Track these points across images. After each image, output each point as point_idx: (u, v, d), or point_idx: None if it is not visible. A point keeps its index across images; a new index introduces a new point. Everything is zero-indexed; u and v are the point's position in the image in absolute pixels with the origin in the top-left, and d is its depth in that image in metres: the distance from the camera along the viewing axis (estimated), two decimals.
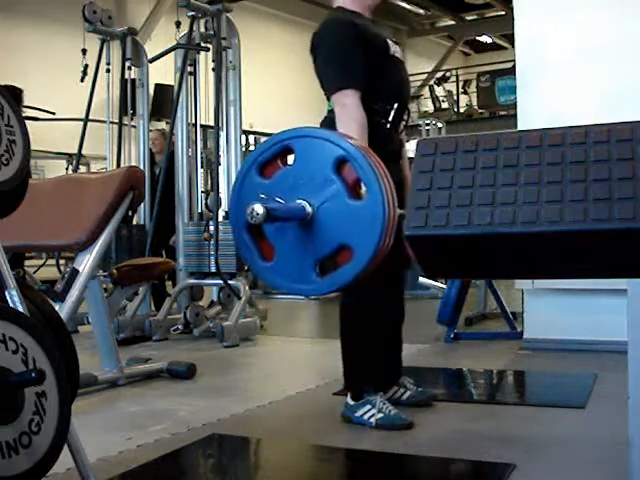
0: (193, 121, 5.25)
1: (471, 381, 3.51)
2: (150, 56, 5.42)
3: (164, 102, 9.92)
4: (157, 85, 10.09)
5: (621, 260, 1.30)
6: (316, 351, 4.44)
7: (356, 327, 2.62)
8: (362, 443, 2.41)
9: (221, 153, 5.13)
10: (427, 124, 10.03)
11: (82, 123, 5.51)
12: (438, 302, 4.82)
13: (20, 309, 1.54)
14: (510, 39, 14.85)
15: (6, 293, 1.56)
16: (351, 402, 2.60)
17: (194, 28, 4.96)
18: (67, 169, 7.50)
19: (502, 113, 14.55)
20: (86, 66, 5.54)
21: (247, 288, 4.82)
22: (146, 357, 3.86)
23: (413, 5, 16.45)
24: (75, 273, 2.83)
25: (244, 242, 1.80)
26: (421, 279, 6.72)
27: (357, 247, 1.67)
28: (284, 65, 13.35)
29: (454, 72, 16.47)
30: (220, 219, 4.82)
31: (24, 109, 5.54)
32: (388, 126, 2.59)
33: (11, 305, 1.54)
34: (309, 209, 1.71)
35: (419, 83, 17.22)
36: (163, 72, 6.23)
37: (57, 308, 2.03)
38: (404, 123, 2.69)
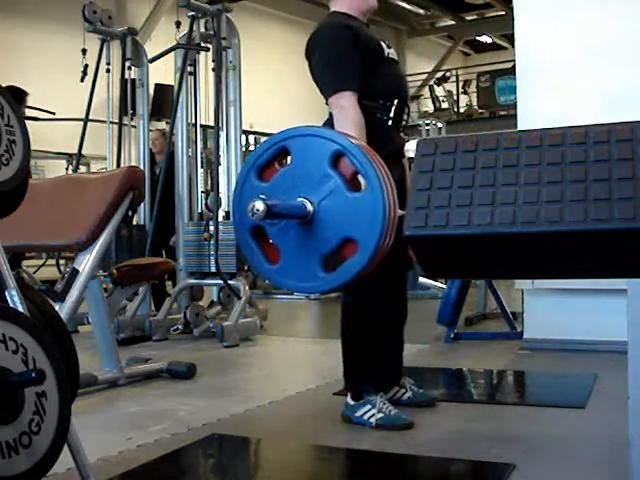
0: (193, 121, 5.25)
1: (471, 381, 3.51)
2: (150, 56, 5.42)
3: (164, 102, 9.93)
4: (157, 85, 10.10)
5: (621, 260, 1.30)
6: (316, 351, 4.44)
7: (357, 327, 2.62)
8: (362, 443, 2.40)
9: (221, 153, 5.13)
10: (427, 124, 10.03)
11: (82, 123, 5.51)
12: (438, 302, 4.82)
13: (20, 309, 1.54)
14: (510, 39, 14.85)
15: (6, 293, 1.56)
16: (351, 402, 2.61)
17: (194, 28, 4.96)
18: (67, 169, 7.50)
19: (502, 113, 14.55)
20: (86, 66, 5.54)
21: (247, 288, 4.82)
22: (146, 357, 3.86)
23: (413, 5, 16.46)
24: (75, 273, 2.83)
25: (249, 247, 1.81)
26: (421, 279, 6.72)
27: (361, 238, 1.67)
28: (284, 65, 13.34)
29: (454, 72, 16.47)
30: (220, 219, 4.83)
31: (25, 109, 5.53)
32: (390, 123, 2.60)
33: (11, 305, 1.54)
34: (310, 207, 1.72)
35: (419, 83, 17.23)
36: (163, 72, 6.23)
37: (57, 308, 2.03)
38: (404, 122, 2.70)
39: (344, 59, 2.52)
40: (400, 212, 1.66)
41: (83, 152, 5.68)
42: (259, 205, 1.63)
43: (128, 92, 5.49)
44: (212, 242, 4.72)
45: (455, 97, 16.04)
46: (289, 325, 6.10)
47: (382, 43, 2.65)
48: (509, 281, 5.06)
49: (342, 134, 1.80)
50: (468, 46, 19.75)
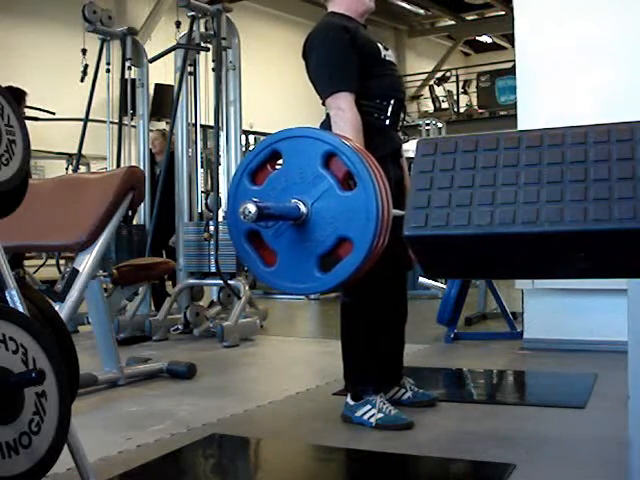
0: (193, 121, 5.26)
1: (471, 381, 3.51)
2: (150, 56, 5.42)
3: (164, 102, 9.93)
4: (157, 85, 10.10)
5: (621, 260, 1.29)
6: (316, 351, 4.44)
7: (357, 327, 2.62)
8: (362, 443, 2.40)
9: (221, 153, 5.13)
10: (427, 124, 10.03)
11: (82, 123, 5.51)
12: (438, 302, 4.82)
13: (20, 309, 1.54)
14: (510, 39, 14.85)
15: (6, 293, 1.56)
16: (351, 402, 2.60)
17: (194, 28, 4.96)
18: (67, 169, 7.49)
19: (502, 113, 14.57)
20: (86, 66, 5.54)
21: (247, 288, 4.82)
22: (146, 357, 3.86)
23: (413, 5, 16.45)
24: (75, 273, 2.83)
25: (245, 250, 1.81)
26: (421, 279, 6.73)
27: (356, 237, 1.68)
28: (284, 65, 13.34)
29: (454, 72, 16.48)
30: (220, 219, 4.83)
31: (25, 109, 5.53)
32: (387, 123, 2.60)
33: (11, 305, 1.54)
34: (303, 208, 1.72)
35: (419, 83, 17.24)
36: (163, 72, 6.24)
37: (57, 308, 2.03)
38: (402, 122, 2.70)
39: (341, 60, 2.52)
40: (400, 212, 1.66)
41: (83, 152, 5.67)
42: (250, 207, 1.64)
43: (128, 92, 5.49)
44: (212, 242, 4.72)
45: (455, 97, 16.04)
46: (289, 325, 6.10)
47: (379, 45, 2.65)
48: (509, 281, 5.06)
49: (333, 134, 1.81)
50: (468, 46, 19.74)
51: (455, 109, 15.88)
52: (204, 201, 5.23)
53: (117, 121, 5.55)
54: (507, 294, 5.18)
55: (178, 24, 5.21)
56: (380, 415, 2.53)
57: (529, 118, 3.90)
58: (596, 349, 3.79)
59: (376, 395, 2.58)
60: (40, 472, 1.39)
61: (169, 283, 5.63)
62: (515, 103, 4.23)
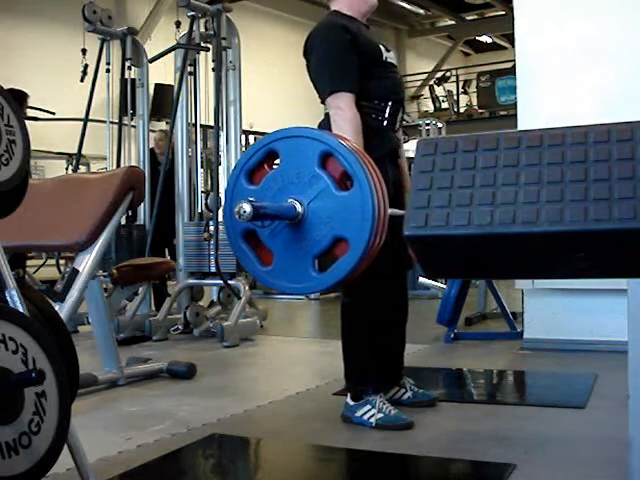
0: (193, 121, 5.26)
1: (471, 381, 3.51)
2: (150, 56, 5.42)
3: (164, 102, 9.92)
4: (157, 85, 10.09)
5: (621, 260, 1.29)
6: (316, 351, 4.44)
7: (357, 327, 2.62)
8: (362, 443, 2.40)
9: (221, 153, 5.13)
10: (427, 124, 10.02)
11: (82, 123, 5.51)
12: (438, 302, 4.82)
13: (20, 309, 1.54)
14: (510, 39, 14.85)
15: (6, 293, 1.56)
16: (351, 402, 2.60)
17: (194, 28, 4.96)
18: (67, 169, 7.49)
19: (502, 113, 14.57)
20: (86, 66, 5.54)
21: (247, 288, 4.82)
22: (146, 357, 3.85)
23: (413, 5, 16.45)
24: (75, 273, 2.82)
25: (242, 250, 1.81)
26: (421, 279, 6.73)
27: (352, 237, 1.68)
28: (284, 64, 13.34)
29: (454, 72, 16.48)
30: (220, 219, 4.82)
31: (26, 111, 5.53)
32: (385, 123, 2.59)
33: (11, 305, 1.54)
34: (299, 207, 1.72)
35: (419, 83, 17.24)
36: (163, 72, 6.24)
37: (57, 308, 2.03)
38: (400, 123, 2.70)
39: (341, 60, 2.51)
40: (399, 212, 1.66)
41: (83, 152, 5.68)
42: (246, 207, 1.64)
43: (128, 92, 5.49)
44: (212, 242, 4.72)
45: (455, 97, 16.04)
46: (289, 325, 6.10)
47: (381, 46, 2.65)
48: (509, 281, 5.06)
49: (330, 134, 1.81)
50: (468, 46, 19.74)
51: (455, 109, 15.88)
52: (204, 201, 5.23)
53: (117, 121, 5.55)
54: (507, 294, 5.18)
55: (178, 24, 5.21)
56: (380, 415, 2.53)
57: (529, 118, 3.90)
58: (596, 349, 3.79)
59: (376, 395, 2.58)
60: (40, 472, 1.39)
61: (172, 283, 5.63)
62: (515, 103, 4.23)
